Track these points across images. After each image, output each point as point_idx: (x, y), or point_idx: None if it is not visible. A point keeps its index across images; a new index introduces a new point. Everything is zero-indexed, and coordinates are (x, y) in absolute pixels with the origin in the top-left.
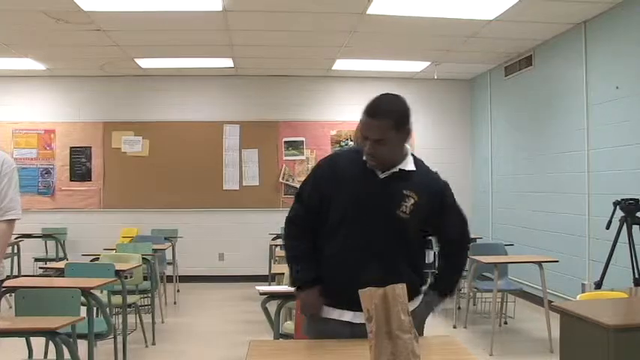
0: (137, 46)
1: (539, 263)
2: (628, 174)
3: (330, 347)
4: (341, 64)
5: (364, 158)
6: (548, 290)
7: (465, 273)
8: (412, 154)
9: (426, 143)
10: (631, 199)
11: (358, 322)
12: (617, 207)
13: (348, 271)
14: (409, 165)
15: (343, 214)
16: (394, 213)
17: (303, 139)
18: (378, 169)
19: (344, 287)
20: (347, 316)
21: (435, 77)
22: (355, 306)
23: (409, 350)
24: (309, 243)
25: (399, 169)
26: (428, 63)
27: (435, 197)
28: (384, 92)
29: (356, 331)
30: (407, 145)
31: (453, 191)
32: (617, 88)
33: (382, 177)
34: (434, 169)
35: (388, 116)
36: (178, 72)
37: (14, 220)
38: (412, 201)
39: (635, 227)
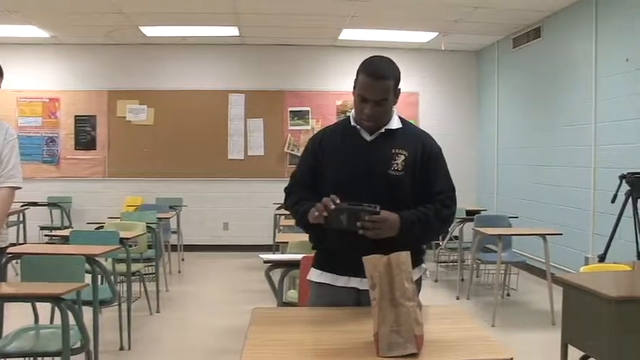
0: (142, 14)
1: (543, 236)
2: (635, 148)
3: (333, 315)
4: (348, 34)
5: (352, 124)
6: (551, 263)
7: (468, 245)
8: (399, 116)
9: (433, 114)
10: (637, 173)
11: (365, 288)
12: (623, 181)
13: (348, 236)
14: (394, 124)
15: (336, 183)
16: (387, 173)
17: (308, 108)
18: (370, 131)
19: (347, 254)
20: (353, 282)
21: (443, 48)
22: (361, 272)
23: (412, 318)
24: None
25: (385, 129)
26: (435, 34)
27: (424, 150)
28: (375, 56)
29: (363, 298)
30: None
31: (453, 161)
32: (626, 60)
33: (370, 139)
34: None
35: (390, 77)
36: (183, 40)
37: (15, 187)
38: (402, 157)
39: None
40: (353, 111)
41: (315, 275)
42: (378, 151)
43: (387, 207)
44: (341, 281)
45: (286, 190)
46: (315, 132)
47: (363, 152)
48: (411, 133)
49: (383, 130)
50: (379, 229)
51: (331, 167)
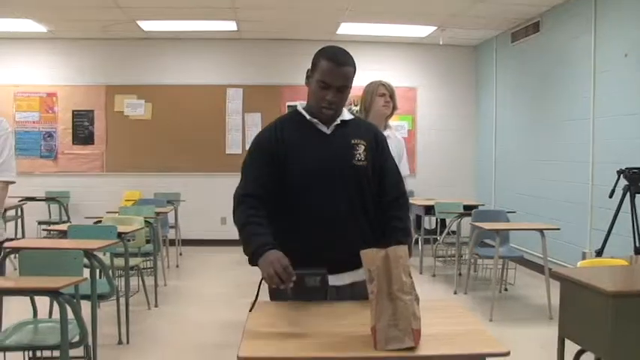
0: (139, 8)
1: (541, 231)
2: (633, 143)
3: (330, 308)
4: (346, 28)
5: (307, 118)
6: (549, 258)
7: (466, 239)
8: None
9: (431, 109)
10: (635, 168)
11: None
12: (621, 176)
13: (322, 236)
14: (346, 115)
15: (303, 177)
16: (352, 164)
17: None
18: (325, 123)
19: (318, 253)
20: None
21: (441, 43)
22: (334, 269)
23: (410, 312)
24: (263, 213)
25: (340, 120)
26: (433, 28)
27: (377, 139)
28: (333, 45)
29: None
30: None
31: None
32: (625, 55)
33: (329, 132)
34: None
35: (351, 64)
36: (181, 35)
37: (8, 182)
38: (363, 147)
39: (637, 196)
40: (301, 105)
41: None
42: (339, 142)
43: (356, 198)
44: None
45: (237, 194)
46: None
47: (326, 145)
48: (362, 124)
49: (339, 122)
50: None
51: (296, 162)
